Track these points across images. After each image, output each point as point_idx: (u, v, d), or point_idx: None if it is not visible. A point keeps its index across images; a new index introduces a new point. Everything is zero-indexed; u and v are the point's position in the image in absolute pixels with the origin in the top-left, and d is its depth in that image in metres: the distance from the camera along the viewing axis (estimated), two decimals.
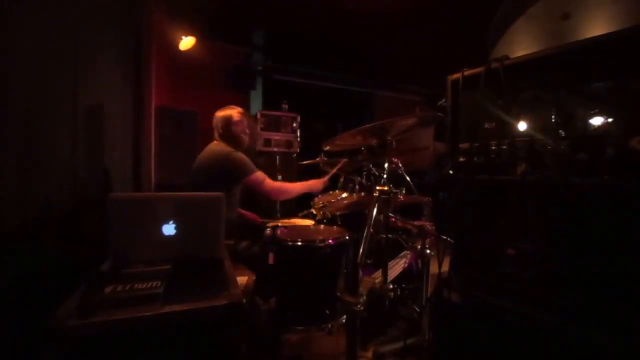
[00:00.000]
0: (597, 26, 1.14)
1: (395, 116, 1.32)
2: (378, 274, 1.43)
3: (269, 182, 2.05)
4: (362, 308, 1.28)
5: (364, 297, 1.29)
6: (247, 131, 2.21)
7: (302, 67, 4.62)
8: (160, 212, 1.07)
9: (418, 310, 2.05)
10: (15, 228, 1.02)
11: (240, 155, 2.01)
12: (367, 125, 1.36)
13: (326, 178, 2.19)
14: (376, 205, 1.34)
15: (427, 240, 1.82)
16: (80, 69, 1.41)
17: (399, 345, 1.77)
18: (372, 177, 2.02)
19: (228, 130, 2.11)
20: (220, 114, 2.14)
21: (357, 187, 2.01)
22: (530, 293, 1.01)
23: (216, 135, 2.15)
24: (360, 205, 1.98)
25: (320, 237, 1.66)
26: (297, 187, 2.19)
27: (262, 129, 3.80)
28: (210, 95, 4.02)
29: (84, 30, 1.44)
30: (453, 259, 1.24)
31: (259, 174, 2.01)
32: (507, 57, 1.10)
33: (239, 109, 2.18)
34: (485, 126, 1.15)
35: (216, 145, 2.10)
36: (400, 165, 2.07)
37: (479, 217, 1.18)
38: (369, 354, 1.78)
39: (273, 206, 3.67)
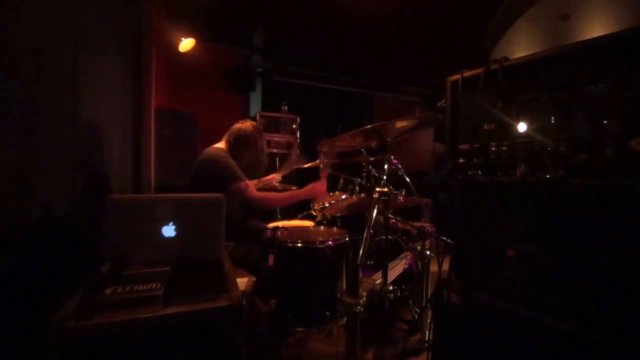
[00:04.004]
0: (597, 27, 1.14)
1: (395, 117, 1.32)
2: (378, 276, 1.43)
3: (251, 191, 2.02)
4: (362, 309, 1.28)
5: (364, 299, 1.29)
6: (255, 151, 2.21)
7: (301, 68, 4.62)
8: (160, 214, 1.07)
9: (418, 311, 2.05)
10: (14, 229, 1.02)
11: (229, 161, 2.00)
12: (367, 127, 1.36)
13: (311, 185, 2.18)
14: (376, 206, 1.34)
15: (427, 242, 1.82)
16: (80, 70, 1.41)
17: (399, 346, 1.77)
18: (372, 179, 2.02)
19: (236, 142, 2.12)
20: (239, 125, 2.15)
21: (357, 188, 2.01)
22: (531, 294, 1.01)
23: (224, 139, 2.16)
24: (360, 207, 1.98)
25: (320, 239, 1.66)
26: (280, 198, 2.19)
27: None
28: (209, 96, 4.03)
29: (84, 31, 1.44)
30: (453, 260, 1.24)
31: (243, 183, 1.97)
32: (506, 59, 1.10)
33: (257, 130, 2.20)
34: (485, 127, 1.14)
35: (214, 149, 2.10)
36: (400, 166, 2.07)
37: (479, 218, 1.18)
38: (369, 356, 1.78)
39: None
